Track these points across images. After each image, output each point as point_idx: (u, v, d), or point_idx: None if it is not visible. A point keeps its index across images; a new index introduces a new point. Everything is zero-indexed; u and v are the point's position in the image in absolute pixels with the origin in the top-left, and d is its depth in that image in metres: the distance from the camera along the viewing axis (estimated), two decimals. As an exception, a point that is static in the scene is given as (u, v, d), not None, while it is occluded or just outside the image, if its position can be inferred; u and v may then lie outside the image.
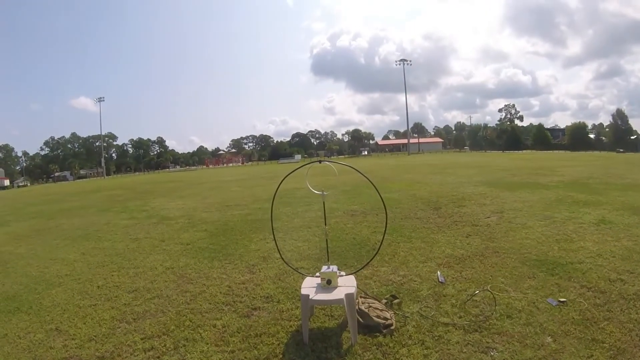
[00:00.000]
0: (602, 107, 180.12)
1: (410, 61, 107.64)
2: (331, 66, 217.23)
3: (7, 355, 4.01)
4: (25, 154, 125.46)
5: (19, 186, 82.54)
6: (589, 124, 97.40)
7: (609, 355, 3.27)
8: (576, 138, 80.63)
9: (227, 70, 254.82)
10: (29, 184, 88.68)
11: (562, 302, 4.26)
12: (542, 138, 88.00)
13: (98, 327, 4.47)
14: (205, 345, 3.88)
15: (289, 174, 4.57)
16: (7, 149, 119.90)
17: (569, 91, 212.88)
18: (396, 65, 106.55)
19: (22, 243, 9.66)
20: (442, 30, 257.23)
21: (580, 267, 5.26)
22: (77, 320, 4.69)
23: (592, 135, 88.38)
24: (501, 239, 6.88)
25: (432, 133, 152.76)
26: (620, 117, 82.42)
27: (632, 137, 77.25)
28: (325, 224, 4.72)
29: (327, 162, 4.63)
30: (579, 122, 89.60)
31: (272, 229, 4.97)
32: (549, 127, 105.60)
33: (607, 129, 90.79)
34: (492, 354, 3.40)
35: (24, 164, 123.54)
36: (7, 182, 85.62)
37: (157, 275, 6.18)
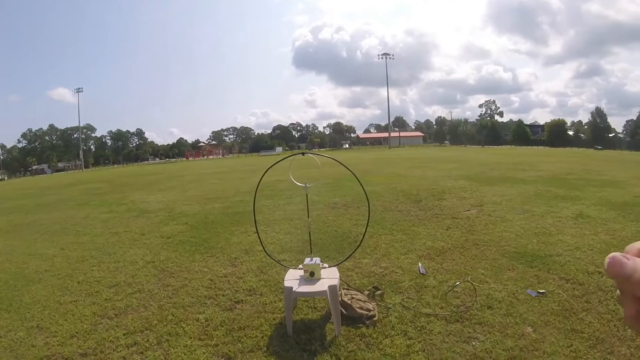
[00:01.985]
0: (581, 105, 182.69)
1: (392, 55, 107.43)
2: (313, 59, 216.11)
3: (-13, 353, 3.94)
4: (2, 146, 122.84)
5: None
6: (568, 121, 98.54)
7: (588, 345, 3.35)
8: (555, 134, 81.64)
9: (208, 62, 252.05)
10: (6, 178, 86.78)
11: (542, 293, 4.34)
12: (522, 134, 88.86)
13: (80, 323, 4.41)
14: (188, 339, 3.86)
15: (272, 166, 4.56)
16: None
17: (548, 89, 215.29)
18: (379, 59, 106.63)
19: (0, 239, 9.47)
20: (425, 26, 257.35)
21: (559, 259, 5.37)
22: (58, 317, 4.62)
23: (570, 132, 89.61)
24: (481, 231, 6.97)
25: (413, 127, 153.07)
26: (599, 115, 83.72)
27: (610, 135, 78.66)
28: (308, 217, 4.72)
29: (310, 155, 4.62)
30: (558, 119, 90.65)
31: (255, 221, 4.95)
32: (528, 123, 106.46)
33: (585, 127, 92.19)
34: (473, 343, 3.45)
35: (1, 157, 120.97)
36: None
37: (138, 269, 6.12)
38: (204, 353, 3.61)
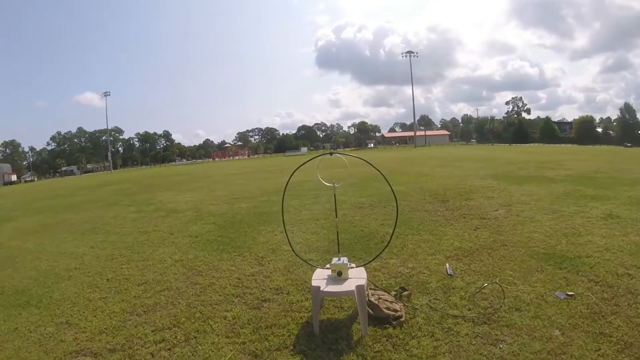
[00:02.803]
0: (609, 101, 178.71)
1: (416, 53, 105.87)
2: (336, 59, 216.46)
3: (18, 349, 4.05)
4: (32, 149, 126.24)
5: (26, 181, 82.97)
6: (597, 118, 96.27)
7: (616, 349, 3.28)
8: (583, 132, 79.72)
9: (231, 64, 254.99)
10: (36, 179, 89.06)
11: (570, 295, 4.26)
12: (550, 131, 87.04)
13: (108, 319, 4.52)
14: (216, 336, 3.92)
15: (300, 166, 4.60)
16: (13, 145, 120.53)
17: (575, 84, 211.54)
18: (403, 57, 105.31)
19: (30, 238, 9.74)
20: (448, 22, 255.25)
21: (588, 261, 5.25)
22: (87, 313, 4.74)
23: (599, 129, 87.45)
24: (509, 232, 6.87)
25: (439, 125, 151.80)
26: (628, 111, 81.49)
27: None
28: (337, 216, 4.74)
29: (338, 154, 4.64)
30: (587, 115, 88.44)
31: (283, 221, 4.98)
32: (556, 120, 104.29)
33: (614, 123, 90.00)
34: (500, 346, 3.41)
35: (31, 159, 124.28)
36: (14, 178, 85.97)
37: (167, 267, 6.23)
38: (231, 350, 3.65)
